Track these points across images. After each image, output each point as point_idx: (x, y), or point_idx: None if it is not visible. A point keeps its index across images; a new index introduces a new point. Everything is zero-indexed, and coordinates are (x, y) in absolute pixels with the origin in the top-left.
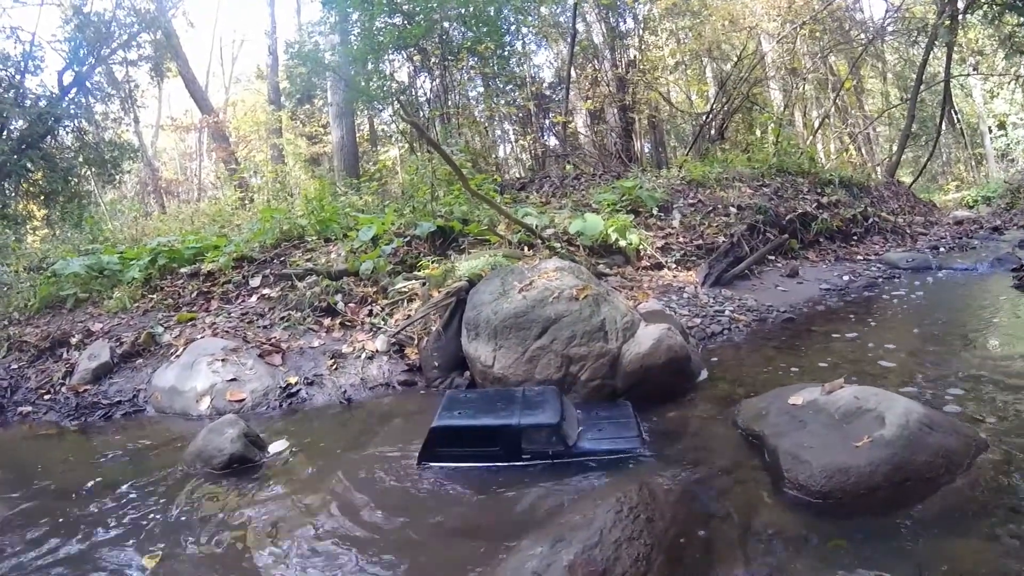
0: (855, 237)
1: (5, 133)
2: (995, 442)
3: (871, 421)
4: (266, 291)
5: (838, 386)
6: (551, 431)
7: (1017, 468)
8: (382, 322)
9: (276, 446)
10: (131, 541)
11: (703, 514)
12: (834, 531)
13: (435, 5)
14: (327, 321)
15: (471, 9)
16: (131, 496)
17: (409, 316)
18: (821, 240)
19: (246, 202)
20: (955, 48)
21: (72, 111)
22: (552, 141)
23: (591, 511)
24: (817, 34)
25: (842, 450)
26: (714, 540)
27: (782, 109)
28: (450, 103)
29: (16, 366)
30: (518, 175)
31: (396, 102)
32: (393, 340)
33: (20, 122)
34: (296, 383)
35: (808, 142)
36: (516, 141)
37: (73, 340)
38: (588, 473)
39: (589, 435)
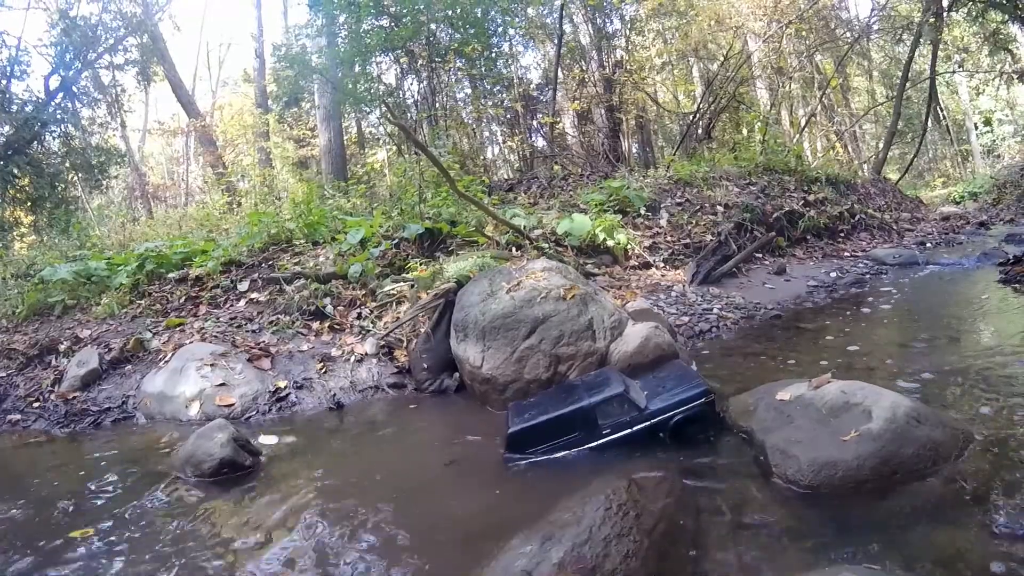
0: (842, 234)
1: None
2: (982, 434)
3: (858, 415)
4: (254, 295)
5: (825, 381)
6: (621, 400)
7: (1004, 460)
8: (371, 325)
9: (267, 439)
10: (117, 548)
11: (692, 509)
12: (822, 524)
13: (422, 7)
14: (316, 325)
15: (458, 11)
16: (120, 503)
17: (398, 318)
18: (808, 237)
19: (234, 206)
20: (940, 46)
21: (58, 116)
22: (540, 142)
23: (580, 508)
24: (803, 33)
25: (829, 444)
26: (703, 535)
27: (769, 108)
28: (438, 105)
29: (5, 374)
30: (506, 176)
31: (383, 105)
32: (382, 343)
33: (6, 127)
34: (285, 387)
35: (795, 140)
36: (504, 142)
37: (61, 347)
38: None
39: (656, 396)
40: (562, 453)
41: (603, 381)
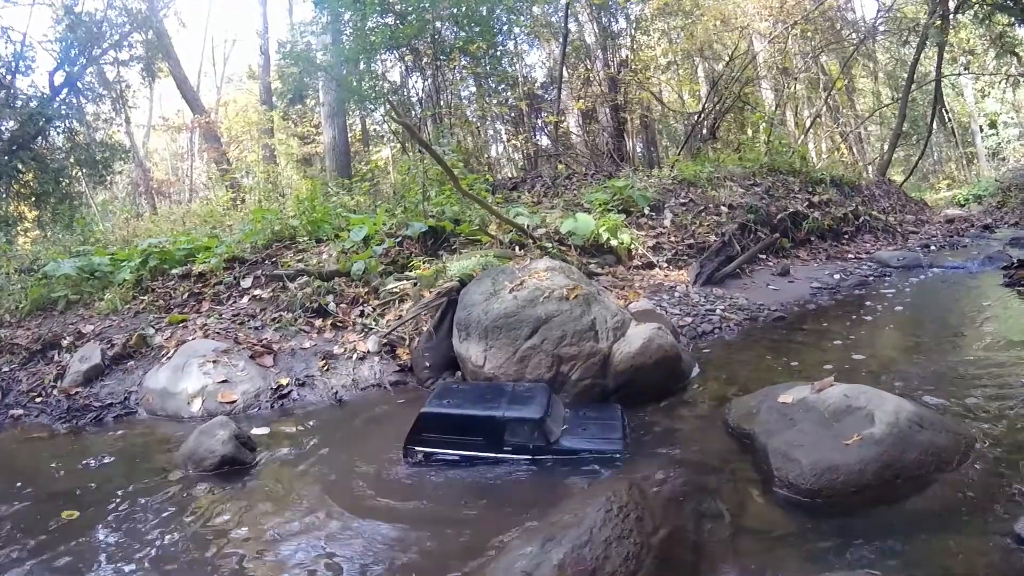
0: (846, 236)
1: None
2: (984, 439)
3: (861, 419)
4: (257, 292)
5: (828, 384)
6: (534, 426)
7: (1006, 465)
8: (373, 323)
9: (258, 431)
10: (120, 544)
11: (693, 512)
12: (824, 529)
13: (427, 5)
14: (318, 322)
15: (463, 9)
16: (122, 499)
17: (400, 316)
18: (812, 239)
19: (237, 203)
20: (946, 48)
21: (63, 112)
22: (544, 141)
23: (581, 510)
24: (809, 34)
25: (832, 448)
26: (704, 538)
27: (774, 108)
28: (442, 103)
29: (7, 369)
30: (510, 175)
31: (388, 102)
32: (384, 341)
33: (11, 123)
34: (288, 384)
35: (799, 141)
36: (508, 141)
37: (64, 342)
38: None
39: (572, 434)
40: (460, 453)
41: (530, 398)
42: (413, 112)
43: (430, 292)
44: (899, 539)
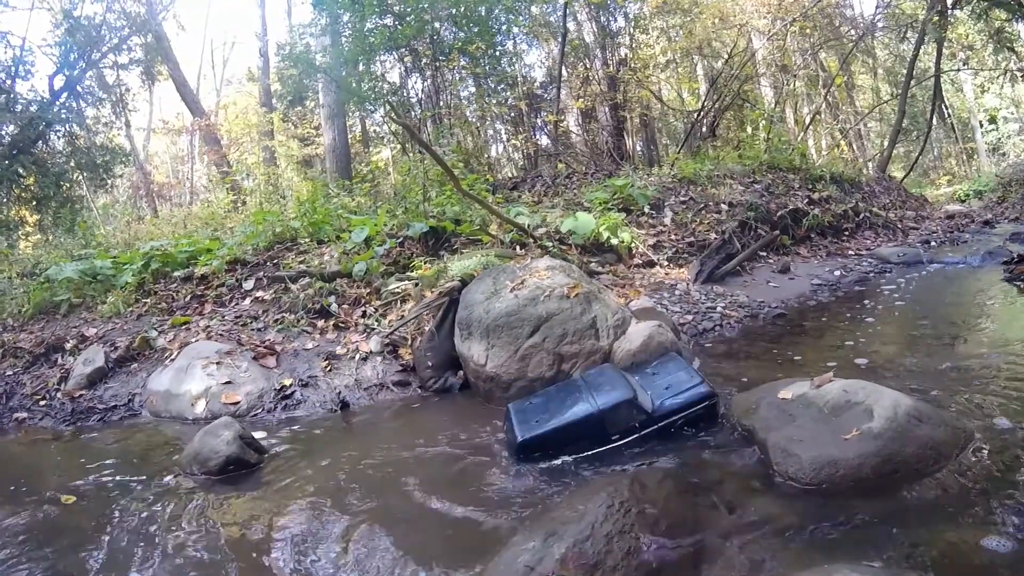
0: (846, 232)
1: None
2: (983, 433)
3: (860, 414)
4: (259, 294)
5: (827, 380)
6: (629, 405)
7: (1004, 459)
8: (375, 323)
9: (262, 432)
10: (120, 543)
11: (693, 507)
12: (824, 522)
13: (426, 5)
14: (321, 323)
15: (462, 9)
16: (125, 499)
17: (402, 317)
18: (812, 236)
19: (238, 205)
20: (945, 43)
21: (63, 115)
22: (544, 140)
23: (583, 505)
24: (807, 31)
25: (831, 443)
26: (705, 532)
27: (773, 106)
28: (442, 103)
29: (11, 372)
30: (510, 175)
31: (387, 103)
32: (386, 341)
33: (11, 127)
34: (291, 385)
35: (799, 138)
36: (508, 141)
37: (68, 345)
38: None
39: (659, 396)
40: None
41: (607, 381)
42: (413, 113)
43: (431, 292)
44: (898, 531)
